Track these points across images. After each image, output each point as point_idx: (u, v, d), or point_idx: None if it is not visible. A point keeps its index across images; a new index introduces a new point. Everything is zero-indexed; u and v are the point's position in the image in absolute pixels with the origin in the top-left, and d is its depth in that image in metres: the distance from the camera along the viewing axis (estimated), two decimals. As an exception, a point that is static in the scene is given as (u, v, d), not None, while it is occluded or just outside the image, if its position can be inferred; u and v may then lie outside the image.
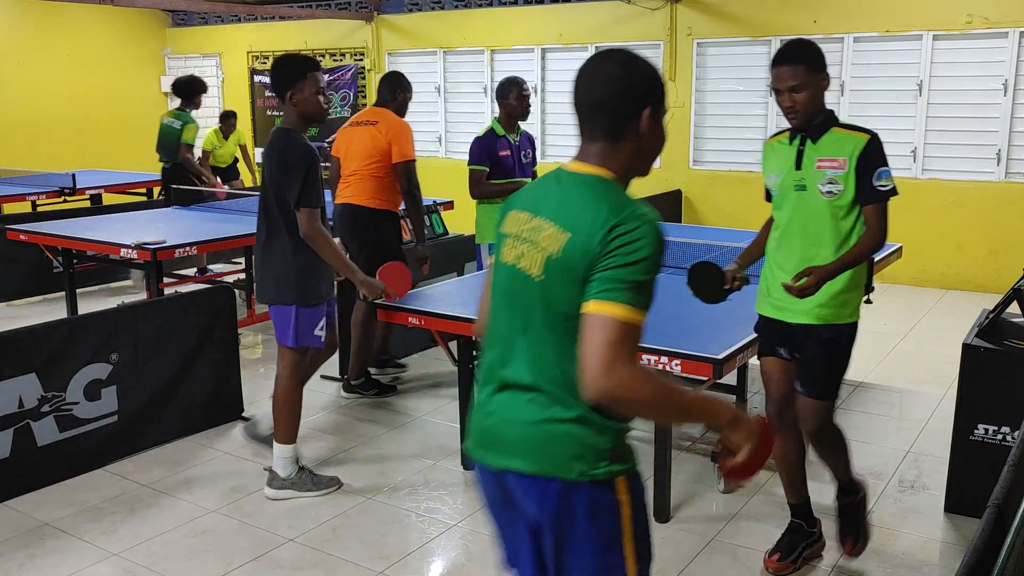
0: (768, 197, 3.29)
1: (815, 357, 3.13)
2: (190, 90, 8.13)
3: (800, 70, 2.97)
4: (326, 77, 11.85)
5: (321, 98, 3.74)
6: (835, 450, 3.30)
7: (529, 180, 5.39)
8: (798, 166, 3.09)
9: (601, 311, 1.69)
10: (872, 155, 3.03)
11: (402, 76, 5.23)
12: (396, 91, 5.14)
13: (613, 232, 1.72)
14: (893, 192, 3.04)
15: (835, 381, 3.18)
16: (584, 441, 1.84)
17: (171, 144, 7.98)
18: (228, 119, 9.83)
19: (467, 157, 5.28)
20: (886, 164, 3.05)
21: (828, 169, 3.03)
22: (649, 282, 1.74)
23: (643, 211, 1.77)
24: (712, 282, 3.26)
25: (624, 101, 1.81)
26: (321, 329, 3.89)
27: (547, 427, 1.84)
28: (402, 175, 4.95)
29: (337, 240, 4.19)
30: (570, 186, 1.85)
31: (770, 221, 3.29)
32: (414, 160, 5.01)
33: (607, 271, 1.71)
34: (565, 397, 1.82)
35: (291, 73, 3.70)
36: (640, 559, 1.90)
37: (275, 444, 3.97)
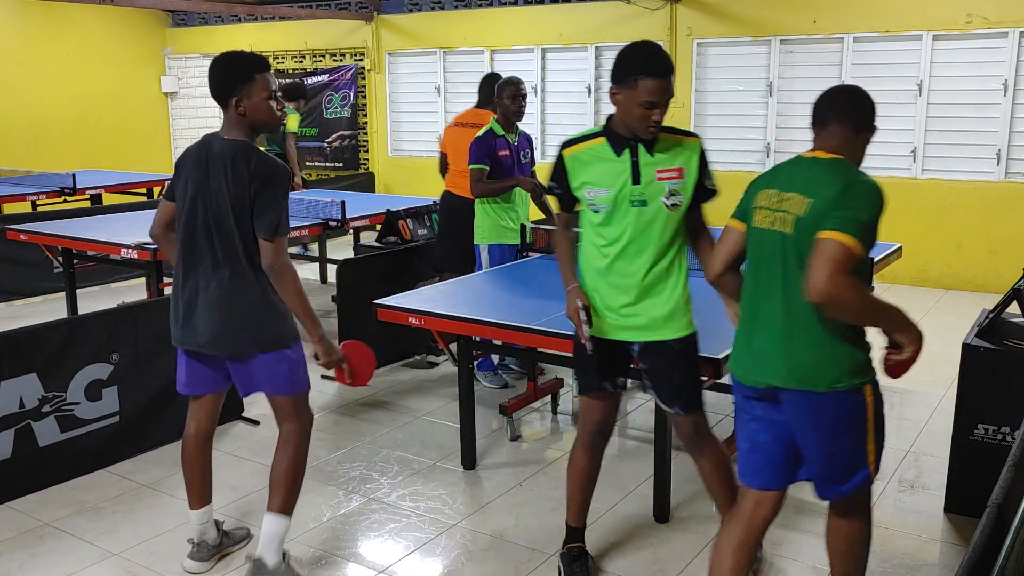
0: (568, 207, 3.11)
1: (673, 372, 3.08)
2: (290, 94, 9.08)
3: (672, 83, 2.91)
4: (326, 78, 11.95)
5: (273, 104, 3.10)
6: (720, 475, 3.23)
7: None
8: (636, 180, 2.96)
9: (831, 236, 2.35)
10: (705, 156, 3.08)
11: (499, 77, 5.59)
12: (489, 94, 5.64)
13: (845, 192, 2.41)
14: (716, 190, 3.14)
15: (699, 390, 3.16)
16: (841, 359, 2.49)
17: (277, 136, 8.64)
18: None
19: (469, 165, 5.29)
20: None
21: (668, 181, 2.98)
22: (870, 224, 2.39)
23: (867, 177, 2.48)
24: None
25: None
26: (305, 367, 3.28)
27: (808, 353, 2.51)
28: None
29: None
30: (814, 166, 2.56)
31: (569, 237, 3.14)
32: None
33: (837, 213, 2.38)
34: (811, 324, 2.49)
35: (235, 75, 3.04)
36: (877, 444, 2.59)
37: (272, 519, 3.21)
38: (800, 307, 2.47)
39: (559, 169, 3.09)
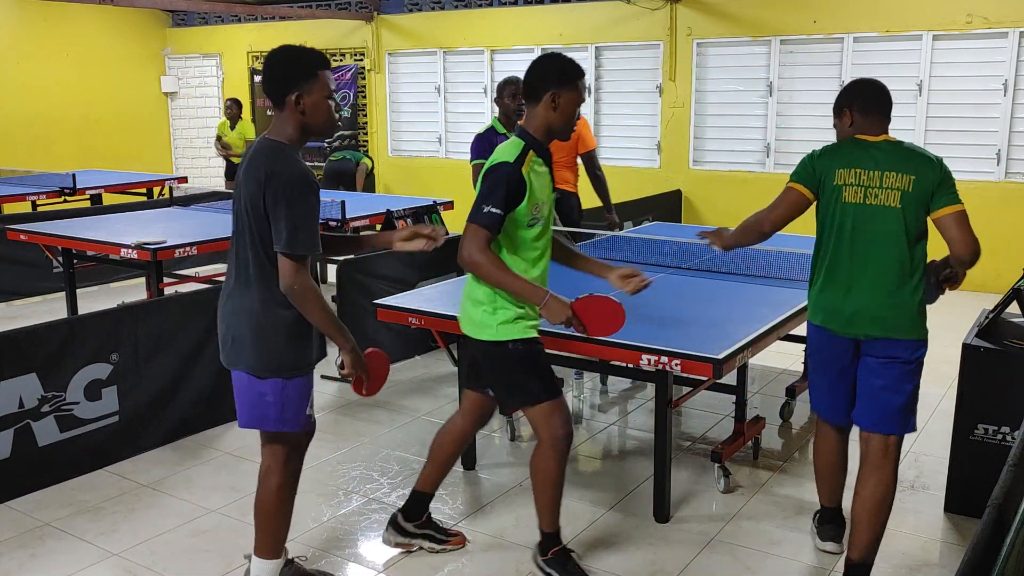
0: (497, 229, 3.00)
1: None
2: None
3: None
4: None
5: (332, 104, 2.91)
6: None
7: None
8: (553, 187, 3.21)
9: (957, 209, 2.99)
10: None
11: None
12: None
13: (944, 170, 3.05)
14: None
15: (515, 391, 3.18)
16: (922, 313, 3.08)
17: None
18: (229, 107, 10.11)
19: (467, 157, 5.30)
20: None
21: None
22: None
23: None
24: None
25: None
26: (312, 406, 3.05)
27: (908, 306, 3.05)
28: (587, 162, 5.84)
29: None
30: (892, 147, 3.13)
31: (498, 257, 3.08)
32: (596, 148, 5.94)
33: (949, 189, 3.01)
34: (906, 280, 3.06)
35: (298, 69, 2.80)
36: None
37: (256, 561, 3.05)
38: (901, 269, 3.04)
39: (518, 189, 2.99)
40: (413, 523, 3.51)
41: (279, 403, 2.89)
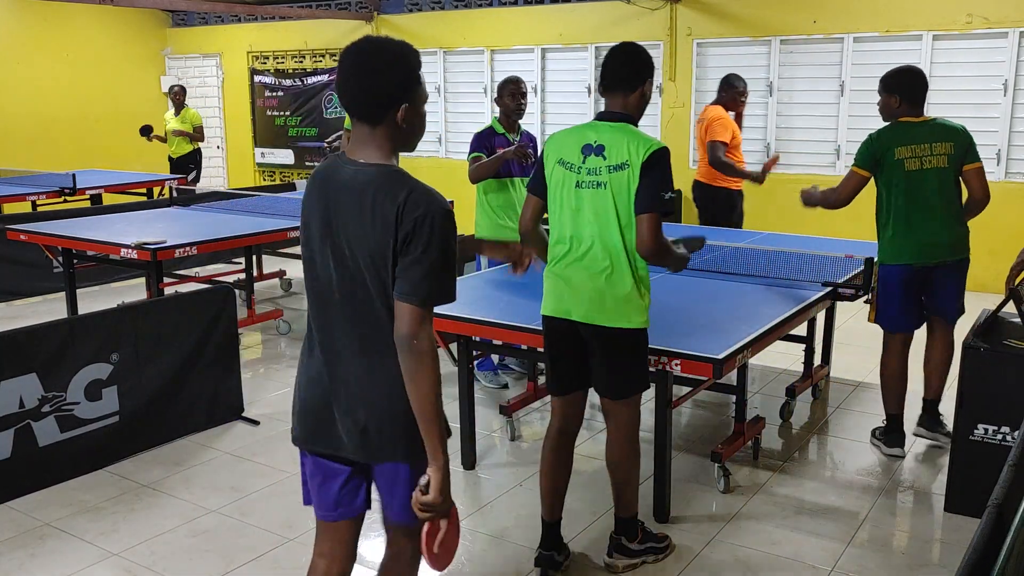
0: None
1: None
2: None
3: None
4: (326, 78, 11.94)
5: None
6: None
7: (528, 179, 5.39)
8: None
9: (978, 166, 4.17)
10: None
11: (729, 76, 6.67)
12: (720, 89, 6.65)
13: (968, 138, 4.18)
14: None
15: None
16: (964, 236, 4.34)
17: None
18: (176, 94, 10.22)
19: (467, 157, 5.30)
20: None
21: None
22: None
23: None
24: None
25: None
26: None
27: (959, 234, 4.28)
28: (708, 152, 6.36)
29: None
30: (934, 123, 4.18)
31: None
32: (715, 141, 6.32)
33: (973, 151, 4.17)
34: (956, 215, 4.28)
35: (405, 74, 2.18)
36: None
37: None
38: (951, 207, 4.22)
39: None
40: (635, 541, 3.43)
41: (407, 491, 2.25)
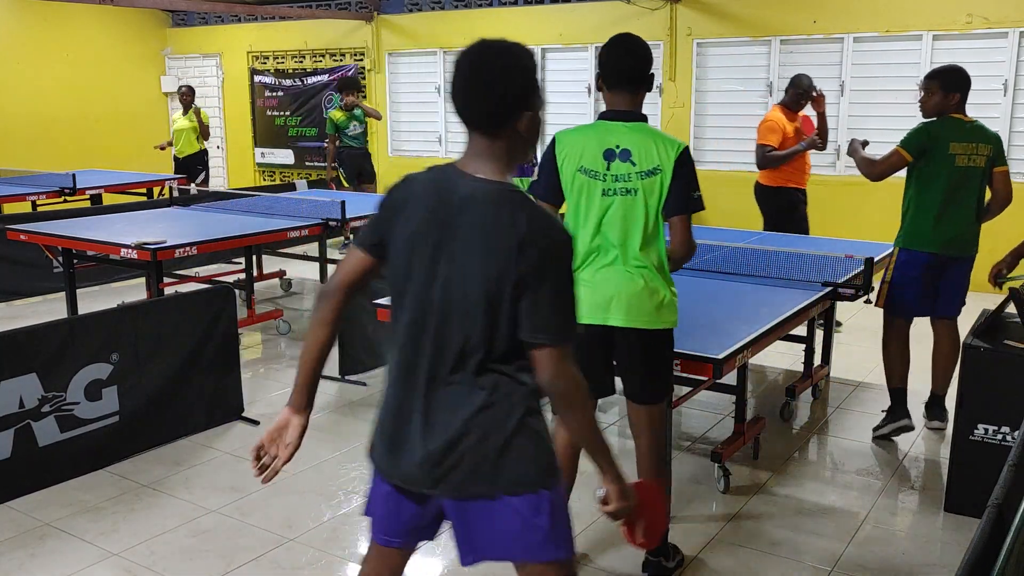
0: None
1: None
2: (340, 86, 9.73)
3: None
4: (326, 78, 11.94)
5: None
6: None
7: (529, 179, 5.38)
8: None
9: (1005, 169, 4.47)
10: None
11: (796, 75, 6.55)
12: (786, 88, 6.57)
13: (999, 142, 4.47)
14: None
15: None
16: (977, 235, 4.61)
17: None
18: (184, 94, 10.34)
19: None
20: None
21: None
22: None
23: None
24: None
25: None
26: None
27: (976, 233, 4.55)
28: (756, 156, 6.36)
29: None
30: (975, 124, 4.41)
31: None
32: (760, 144, 6.30)
33: (1001, 155, 4.44)
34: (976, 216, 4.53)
35: (532, 80, 2.03)
36: None
37: None
38: (979, 205, 4.48)
39: None
40: (673, 561, 3.40)
41: (550, 520, 2.07)
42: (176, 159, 10.45)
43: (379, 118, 9.95)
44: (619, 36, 3.04)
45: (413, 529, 2.19)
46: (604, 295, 3.01)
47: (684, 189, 2.96)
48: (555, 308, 1.95)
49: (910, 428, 4.58)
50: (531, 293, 1.93)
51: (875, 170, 4.52)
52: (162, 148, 10.78)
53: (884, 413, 4.68)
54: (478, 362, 2.00)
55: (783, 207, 6.46)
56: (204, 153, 10.44)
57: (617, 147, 2.98)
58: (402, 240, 2.04)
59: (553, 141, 3.10)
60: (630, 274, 3.01)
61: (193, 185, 9.97)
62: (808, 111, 6.52)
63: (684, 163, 2.97)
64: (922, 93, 4.46)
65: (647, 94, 3.08)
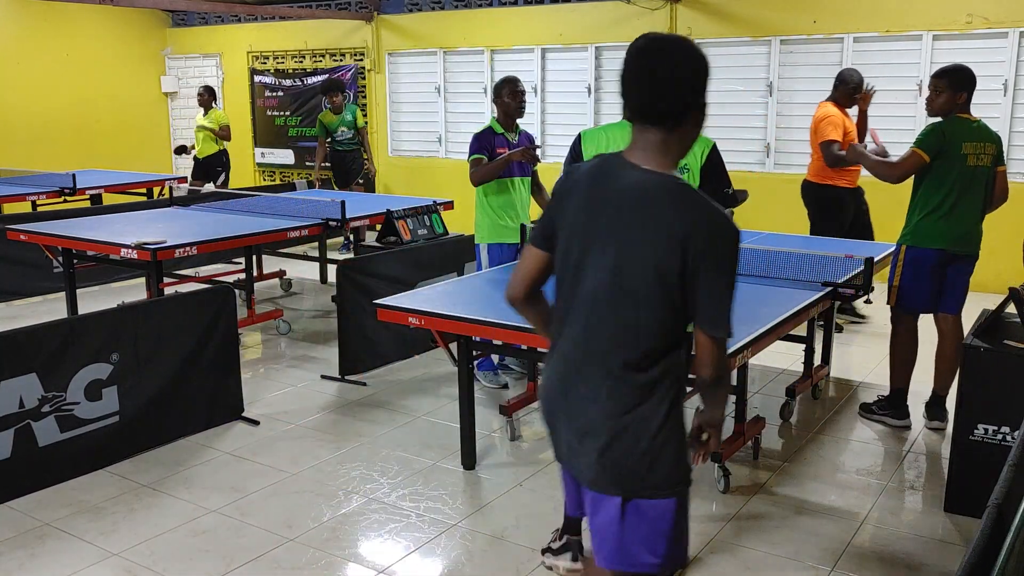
0: None
1: None
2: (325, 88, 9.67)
3: None
4: (325, 78, 11.95)
5: None
6: None
7: (528, 179, 5.40)
8: None
9: (1004, 169, 4.55)
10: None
11: (843, 71, 6.43)
12: (835, 85, 6.37)
13: (1000, 142, 4.48)
14: None
15: None
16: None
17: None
18: (202, 95, 10.32)
19: (466, 156, 5.30)
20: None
21: None
22: None
23: None
24: None
25: None
26: None
27: (980, 229, 4.57)
28: (823, 154, 6.12)
29: None
30: (982, 126, 4.46)
31: None
32: (827, 141, 6.06)
33: (1001, 154, 4.51)
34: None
35: (707, 74, 2.03)
36: None
37: None
38: (984, 204, 4.55)
39: None
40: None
41: (672, 529, 2.16)
42: (196, 160, 10.45)
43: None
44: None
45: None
46: None
47: (715, 185, 2.92)
48: (724, 300, 2.02)
49: (908, 427, 4.68)
50: (702, 284, 1.98)
51: (896, 172, 4.56)
52: (177, 153, 10.73)
53: (881, 399, 4.82)
54: (639, 351, 2.03)
55: (825, 205, 6.34)
56: (223, 154, 10.39)
57: None
58: (566, 230, 2.10)
59: (579, 138, 3.04)
60: None
61: (209, 185, 9.97)
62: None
63: (713, 160, 2.92)
64: (929, 92, 4.49)
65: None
